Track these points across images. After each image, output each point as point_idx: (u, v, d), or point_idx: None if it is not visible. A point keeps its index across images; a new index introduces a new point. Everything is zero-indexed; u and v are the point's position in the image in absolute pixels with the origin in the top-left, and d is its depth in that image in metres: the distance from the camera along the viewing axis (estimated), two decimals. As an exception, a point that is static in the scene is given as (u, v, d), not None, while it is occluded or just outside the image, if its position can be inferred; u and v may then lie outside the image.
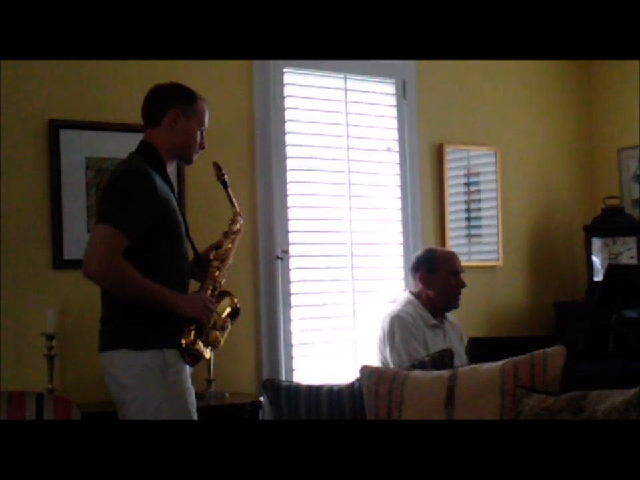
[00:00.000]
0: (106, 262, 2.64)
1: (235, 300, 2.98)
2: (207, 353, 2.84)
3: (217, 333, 2.87)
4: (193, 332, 2.77)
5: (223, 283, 2.96)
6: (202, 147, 2.97)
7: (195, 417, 2.80)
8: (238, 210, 3.09)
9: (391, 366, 3.62)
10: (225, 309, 2.94)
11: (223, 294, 2.95)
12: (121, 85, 3.70)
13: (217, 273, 2.94)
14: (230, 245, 3.03)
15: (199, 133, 2.94)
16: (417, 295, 3.89)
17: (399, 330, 3.70)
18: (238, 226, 3.06)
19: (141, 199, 2.71)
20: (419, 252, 4.03)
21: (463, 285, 3.88)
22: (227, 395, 3.66)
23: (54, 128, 3.61)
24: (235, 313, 2.97)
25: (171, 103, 2.89)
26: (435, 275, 3.85)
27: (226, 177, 3.05)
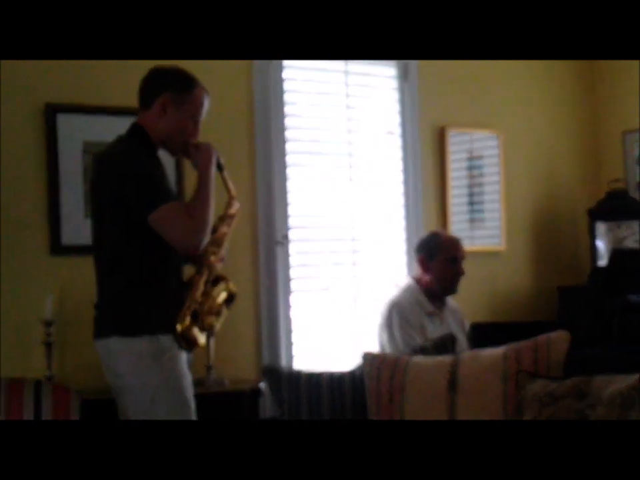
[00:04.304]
0: (196, 229, 2.69)
1: (231, 285, 2.96)
2: (202, 339, 2.82)
3: (212, 318, 2.86)
4: (188, 317, 2.76)
5: (219, 267, 2.94)
6: (193, 138, 2.89)
7: (192, 403, 2.79)
8: (233, 194, 3.05)
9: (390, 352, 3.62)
10: (220, 294, 2.92)
11: (219, 279, 2.93)
12: (119, 68, 3.66)
13: (212, 258, 2.91)
14: (226, 230, 2.99)
15: (190, 123, 2.86)
16: (417, 280, 3.88)
17: (396, 318, 3.70)
18: (234, 210, 3.02)
19: (154, 170, 2.75)
20: (424, 234, 4.03)
21: (462, 273, 3.87)
22: (227, 382, 3.66)
23: (51, 112, 3.59)
24: (230, 298, 2.95)
25: (164, 89, 2.83)
26: (434, 260, 3.84)
27: (221, 160, 3.01)
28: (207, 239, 2.74)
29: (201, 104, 2.88)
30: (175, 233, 2.68)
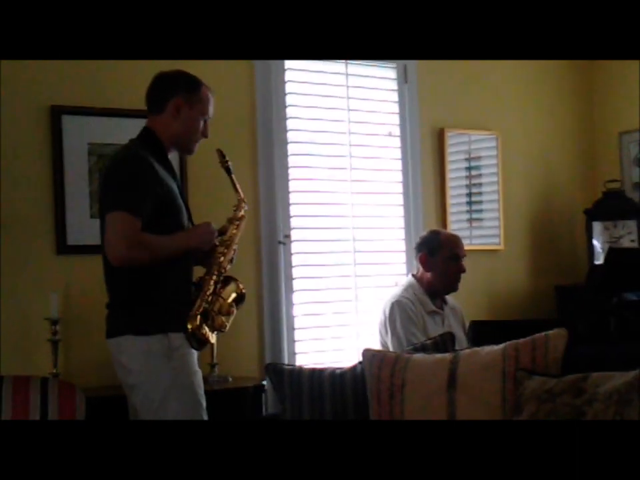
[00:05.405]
0: (131, 245, 2.68)
1: (241, 286, 2.99)
2: (213, 338, 2.86)
3: (223, 318, 2.89)
4: (198, 317, 2.79)
5: (228, 268, 2.98)
6: (204, 136, 2.98)
7: (203, 400, 2.82)
8: (242, 196, 3.09)
9: (391, 350, 3.64)
10: (230, 295, 2.95)
11: (229, 279, 2.97)
12: (124, 70, 3.70)
13: (221, 259, 2.94)
14: (235, 231, 3.04)
15: (201, 122, 2.94)
16: (418, 279, 3.89)
17: (399, 315, 3.71)
18: (242, 212, 3.07)
19: (142, 182, 2.74)
20: (424, 232, 4.04)
21: (463, 271, 3.87)
22: (230, 379, 3.68)
23: (56, 114, 3.61)
24: (240, 299, 2.99)
25: (175, 92, 2.89)
26: (435, 258, 3.85)
27: (230, 163, 3.06)
28: (134, 261, 2.71)
29: (209, 101, 2.95)
30: (107, 236, 2.70)
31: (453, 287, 3.90)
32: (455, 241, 3.92)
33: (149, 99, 2.95)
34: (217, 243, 2.98)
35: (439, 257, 3.85)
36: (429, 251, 3.87)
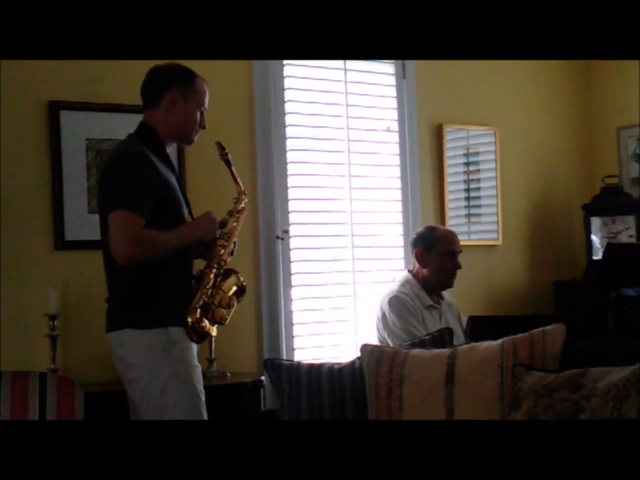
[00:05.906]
0: (135, 243, 2.68)
1: (241, 278, 2.99)
2: (214, 331, 2.87)
3: (223, 310, 2.90)
4: (198, 310, 2.80)
5: (228, 261, 2.98)
6: (202, 127, 2.98)
7: (202, 395, 2.82)
8: (242, 188, 3.10)
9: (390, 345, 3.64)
10: (231, 287, 2.95)
11: (229, 272, 2.97)
12: (121, 65, 3.69)
13: (222, 251, 2.95)
14: (235, 224, 3.04)
15: (198, 113, 2.94)
16: (415, 274, 3.90)
17: (397, 310, 3.72)
18: (243, 204, 3.08)
19: (143, 178, 2.74)
20: (420, 229, 4.05)
21: (458, 267, 3.88)
22: (229, 375, 3.69)
23: (54, 109, 3.62)
24: (241, 291, 2.99)
25: (170, 85, 2.89)
26: (432, 254, 3.86)
27: (229, 156, 3.06)
28: (139, 259, 2.70)
29: (205, 93, 2.96)
30: (112, 236, 2.70)
31: (448, 283, 3.91)
32: (450, 237, 3.93)
33: (144, 93, 2.95)
34: (218, 236, 2.98)
35: (434, 253, 3.86)
36: (425, 247, 3.88)
